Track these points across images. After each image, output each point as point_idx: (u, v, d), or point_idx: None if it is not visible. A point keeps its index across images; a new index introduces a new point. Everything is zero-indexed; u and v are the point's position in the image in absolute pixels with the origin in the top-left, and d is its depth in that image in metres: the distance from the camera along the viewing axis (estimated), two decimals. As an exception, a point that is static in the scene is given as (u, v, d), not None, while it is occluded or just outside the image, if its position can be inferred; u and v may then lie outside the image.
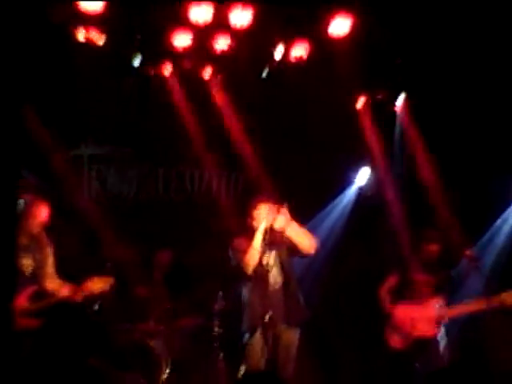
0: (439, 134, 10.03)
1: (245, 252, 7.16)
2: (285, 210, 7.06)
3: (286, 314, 7.14)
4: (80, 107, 9.42)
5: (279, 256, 7.21)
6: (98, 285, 7.20)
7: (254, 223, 7.21)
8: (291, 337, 7.24)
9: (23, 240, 7.05)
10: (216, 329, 8.87)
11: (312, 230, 8.23)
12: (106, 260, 7.89)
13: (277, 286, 7.17)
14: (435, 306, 8.22)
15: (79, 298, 7.13)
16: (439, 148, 9.96)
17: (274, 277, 7.19)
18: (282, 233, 7.12)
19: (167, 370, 8.36)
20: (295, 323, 7.25)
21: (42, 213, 7.22)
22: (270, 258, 7.12)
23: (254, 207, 7.28)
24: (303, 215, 9.45)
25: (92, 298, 7.38)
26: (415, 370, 8.04)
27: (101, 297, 7.50)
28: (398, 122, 10.60)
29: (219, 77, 9.96)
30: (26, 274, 7.09)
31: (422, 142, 10.20)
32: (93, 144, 9.85)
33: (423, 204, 9.94)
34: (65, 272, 7.43)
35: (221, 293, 8.95)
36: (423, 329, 8.19)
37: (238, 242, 7.36)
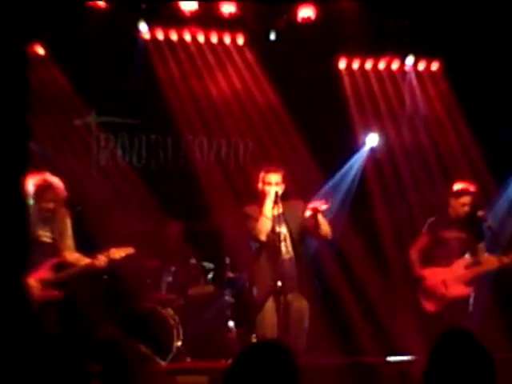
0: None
1: (257, 219, 7.14)
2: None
3: (298, 283, 7.12)
4: (88, 76, 9.35)
5: (290, 230, 7.16)
6: (118, 252, 7.27)
7: (265, 190, 7.16)
8: (302, 306, 7.19)
9: (41, 213, 7.14)
10: (227, 297, 8.88)
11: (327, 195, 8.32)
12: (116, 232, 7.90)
13: (289, 256, 7.13)
14: (464, 266, 8.19)
15: (102, 264, 7.21)
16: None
17: (287, 247, 7.15)
18: (315, 215, 7.08)
19: (179, 339, 8.36)
20: (306, 294, 7.22)
21: (59, 191, 7.25)
22: (283, 228, 7.08)
23: (265, 174, 7.22)
24: (315, 181, 9.56)
25: (113, 266, 7.51)
26: None
27: (121, 264, 7.61)
28: (406, 84, 10.49)
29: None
30: (46, 244, 7.16)
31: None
32: (101, 113, 9.77)
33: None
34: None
35: (228, 260, 8.93)
36: (457, 290, 8.16)
37: (250, 209, 7.34)
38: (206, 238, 9.35)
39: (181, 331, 8.42)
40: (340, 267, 9.44)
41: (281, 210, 7.07)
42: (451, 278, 8.14)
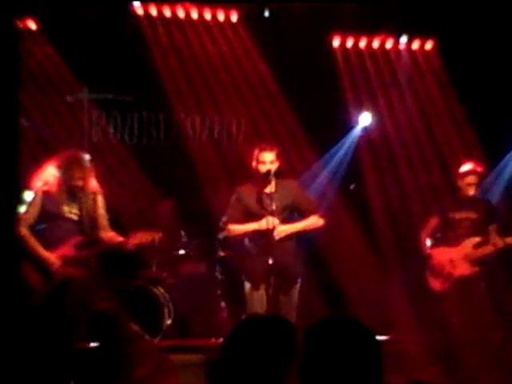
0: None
1: (249, 197, 7.14)
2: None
3: (288, 261, 7.13)
4: (80, 52, 9.30)
5: (282, 209, 7.16)
6: (147, 236, 7.42)
7: (259, 168, 7.15)
8: (292, 283, 7.26)
9: (70, 190, 7.21)
10: (218, 276, 8.87)
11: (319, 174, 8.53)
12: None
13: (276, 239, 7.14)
14: (472, 245, 8.23)
15: (130, 246, 7.35)
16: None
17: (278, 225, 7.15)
18: None
19: (169, 317, 8.36)
20: (296, 271, 7.25)
21: (87, 168, 7.31)
22: (274, 207, 7.07)
23: (259, 152, 7.20)
24: (307, 159, 9.56)
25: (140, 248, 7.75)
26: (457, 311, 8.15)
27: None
28: (402, 63, 10.46)
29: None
30: (71, 221, 7.26)
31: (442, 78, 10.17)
32: (93, 89, 9.72)
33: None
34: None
35: (220, 239, 8.89)
36: (463, 269, 8.22)
37: (243, 188, 7.34)
38: (198, 216, 9.33)
39: (171, 309, 8.42)
40: (331, 245, 9.43)
41: (273, 189, 7.09)
42: (458, 258, 8.22)
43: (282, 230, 7.12)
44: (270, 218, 7.01)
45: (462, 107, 9.99)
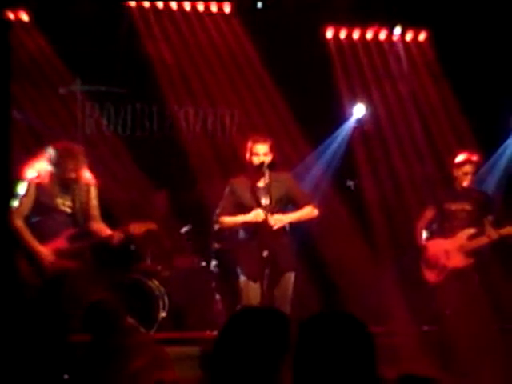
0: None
1: (243, 190, 7.12)
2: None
3: (282, 253, 7.12)
4: (73, 44, 9.28)
5: (275, 201, 7.13)
6: (140, 228, 7.35)
7: (252, 160, 7.12)
8: (286, 275, 7.22)
9: (63, 182, 7.14)
10: (213, 268, 8.87)
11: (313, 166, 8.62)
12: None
13: (274, 228, 7.12)
14: (467, 237, 8.19)
15: (121, 238, 7.28)
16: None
17: (272, 217, 7.13)
18: None
19: (164, 310, 8.35)
20: (290, 263, 7.24)
21: (81, 159, 7.23)
22: (268, 199, 7.05)
23: (253, 144, 7.18)
24: (301, 151, 9.55)
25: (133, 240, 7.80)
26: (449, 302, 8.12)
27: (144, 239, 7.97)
28: (393, 54, 10.46)
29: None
30: (65, 213, 7.20)
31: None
32: (86, 81, 9.70)
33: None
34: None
35: (214, 231, 8.87)
36: (458, 260, 8.17)
37: (236, 180, 7.32)
38: (192, 208, 9.32)
39: (166, 302, 8.42)
40: (325, 237, 9.42)
41: (267, 182, 7.06)
42: (453, 249, 8.17)
43: (279, 219, 7.09)
44: (262, 211, 7.00)
45: (455, 98, 10.00)
